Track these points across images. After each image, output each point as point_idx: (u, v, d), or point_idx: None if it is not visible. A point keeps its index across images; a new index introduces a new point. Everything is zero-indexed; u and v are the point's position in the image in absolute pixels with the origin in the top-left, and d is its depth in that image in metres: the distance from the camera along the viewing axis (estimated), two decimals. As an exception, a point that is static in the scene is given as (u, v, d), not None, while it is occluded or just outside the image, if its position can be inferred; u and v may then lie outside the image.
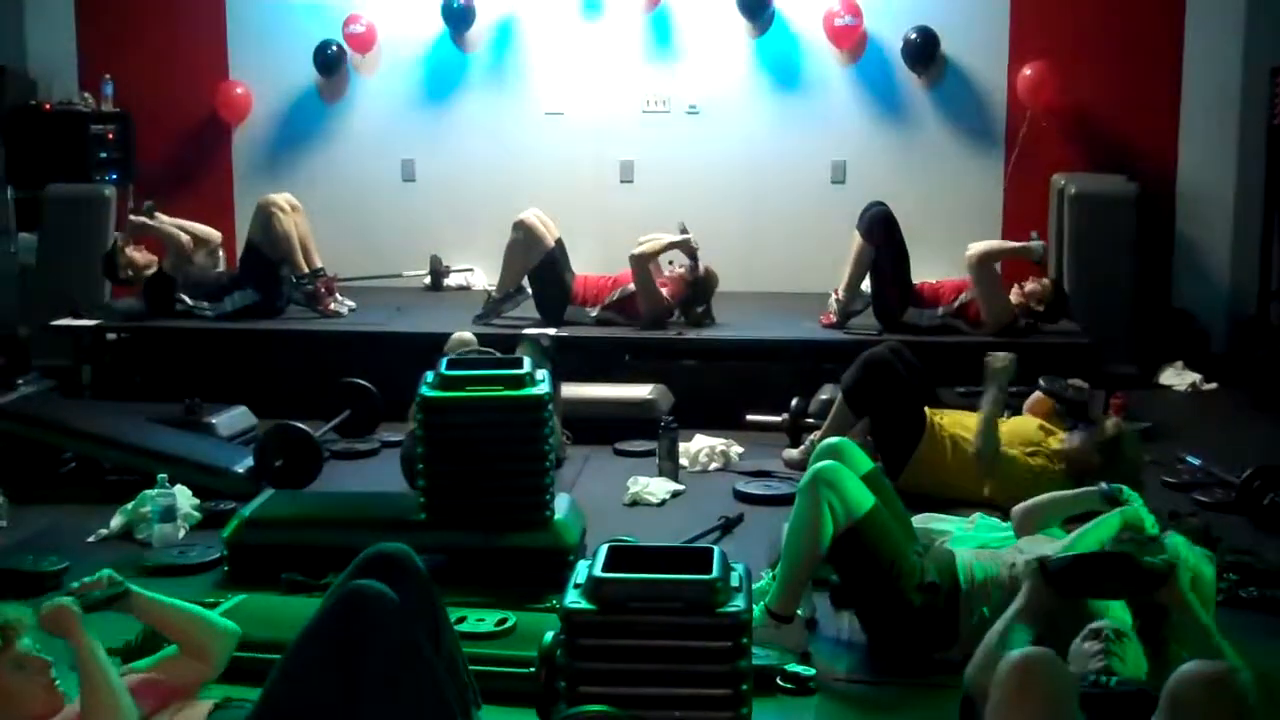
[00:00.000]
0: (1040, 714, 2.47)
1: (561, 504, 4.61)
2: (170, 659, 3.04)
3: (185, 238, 7.34)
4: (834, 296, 7.07)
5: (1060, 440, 5.12)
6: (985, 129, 8.40)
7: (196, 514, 5.05)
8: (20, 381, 6.40)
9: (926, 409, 5.40)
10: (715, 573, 3.01)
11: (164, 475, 4.94)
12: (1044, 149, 8.27)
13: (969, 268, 6.80)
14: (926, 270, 7.25)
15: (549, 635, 3.20)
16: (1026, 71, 8.18)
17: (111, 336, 7.27)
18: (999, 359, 5.31)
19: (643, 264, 6.99)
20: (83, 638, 2.77)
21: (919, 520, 4.23)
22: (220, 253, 8.17)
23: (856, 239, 6.92)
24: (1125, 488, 3.96)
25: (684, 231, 7.09)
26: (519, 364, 4.65)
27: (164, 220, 7.44)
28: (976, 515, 4.32)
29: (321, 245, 7.56)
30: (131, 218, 7.51)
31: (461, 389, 4.44)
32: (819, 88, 8.49)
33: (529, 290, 7.27)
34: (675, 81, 8.56)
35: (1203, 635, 2.93)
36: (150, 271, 7.27)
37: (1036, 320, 6.82)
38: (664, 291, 7.06)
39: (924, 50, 8.25)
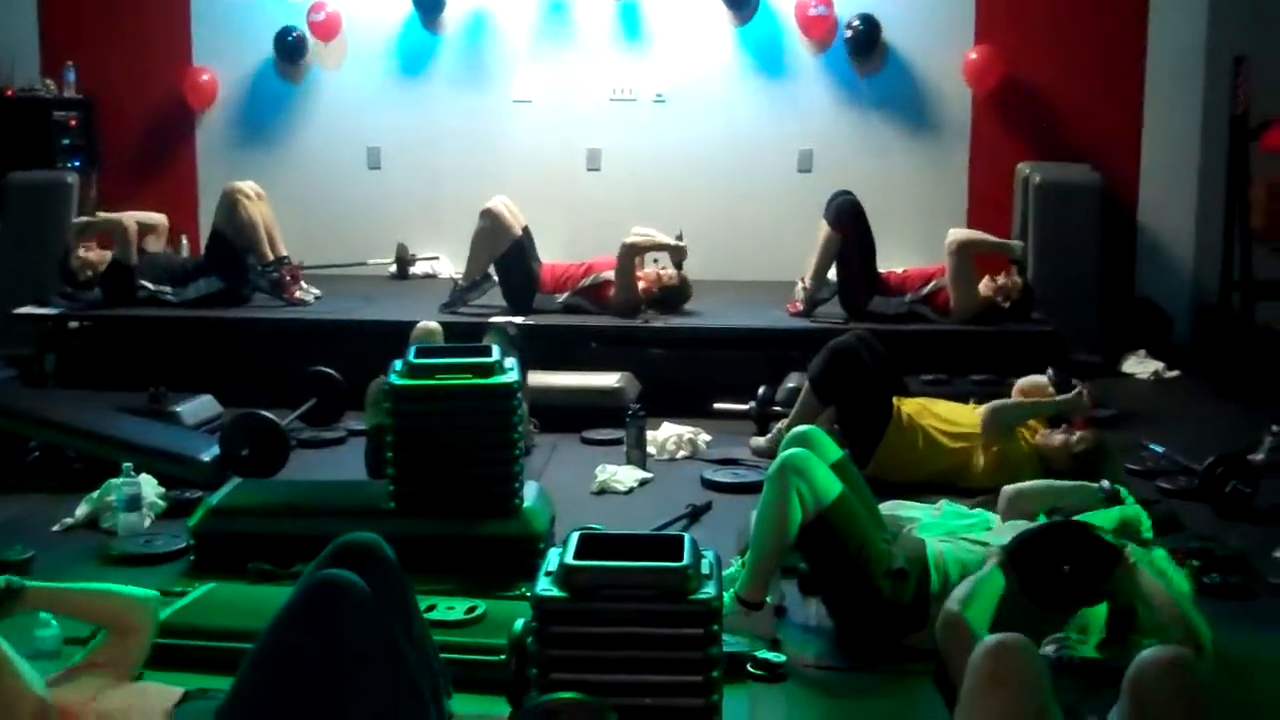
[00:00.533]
0: (1014, 699, 2.49)
1: (530, 492, 4.61)
2: (102, 644, 3.01)
3: (130, 224, 7.30)
4: (800, 285, 7.10)
5: (1038, 434, 5.16)
6: (950, 118, 8.43)
7: (162, 503, 5.02)
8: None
9: (894, 398, 5.43)
10: (686, 560, 3.01)
11: (129, 464, 4.91)
12: (1009, 138, 8.32)
13: (949, 253, 6.82)
14: (892, 260, 7.29)
15: (519, 623, 3.20)
16: (972, 55, 8.21)
17: (74, 325, 7.21)
18: (1085, 396, 5.34)
19: (632, 254, 7.02)
20: None
21: (886, 508, 4.24)
22: (184, 239, 8.15)
23: (824, 228, 6.95)
24: (1124, 489, 4.00)
25: (679, 239, 7.12)
26: (488, 352, 4.64)
27: (104, 215, 7.48)
28: (943, 502, 4.34)
29: (286, 233, 7.53)
30: (73, 221, 7.48)
31: (430, 377, 4.43)
32: (788, 77, 8.50)
33: (495, 279, 7.26)
34: (643, 70, 8.55)
35: (1171, 611, 2.97)
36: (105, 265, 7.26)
37: (1002, 316, 6.85)
38: (639, 286, 7.08)
39: (868, 38, 8.28)
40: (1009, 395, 5.59)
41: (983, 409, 5.29)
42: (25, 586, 2.94)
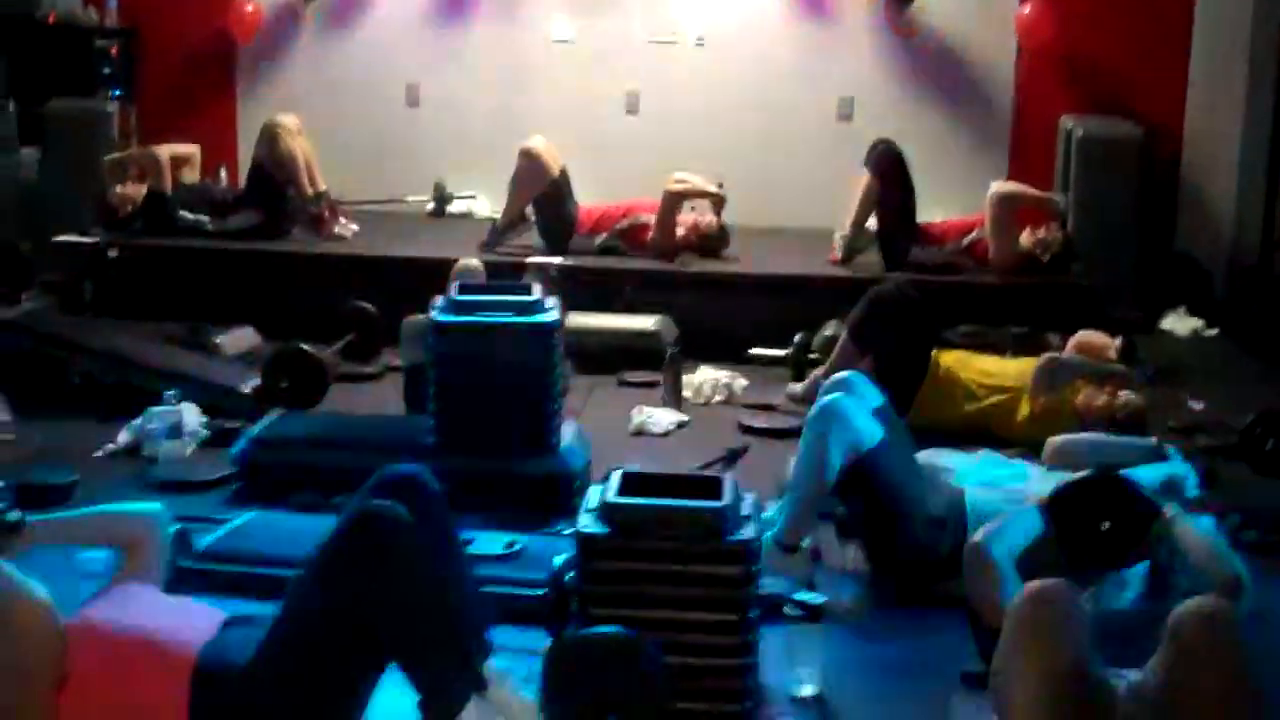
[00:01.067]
0: (1053, 645, 2.49)
1: (568, 431, 4.64)
2: (119, 567, 3.00)
3: (163, 155, 7.35)
4: (840, 233, 7.07)
5: (1081, 393, 5.15)
6: (994, 69, 8.35)
7: (204, 431, 5.07)
8: (24, 296, 6.41)
9: (933, 349, 5.42)
10: (727, 500, 3.04)
11: (172, 392, 4.95)
12: (1053, 91, 8.25)
13: (990, 204, 6.79)
14: (931, 210, 7.25)
15: (559, 558, 3.24)
16: (1025, 10, 8.14)
17: (113, 254, 7.24)
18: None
19: (674, 202, 7.00)
20: None
21: (923, 456, 4.25)
22: (222, 171, 8.16)
23: (865, 176, 6.91)
24: (1173, 448, 3.99)
25: (720, 187, 7.09)
26: (529, 290, 4.66)
27: (135, 149, 7.61)
28: (982, 451, 4.35)
29: (325, 168, 7.53)
30: (106, 158, 7.51)
31: (473, 314, 4.46)
32: (831, 24, 8.43)
33: (533, 219, 7.26)
34: (684, 13, 8.49)
35: (1207, 552, 2.98)
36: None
37: (1041, 269, 6.81)
38: (677, 232, 7.07)
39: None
40: (1047, 348, 5.57)
41: (1039, 360, 5.26)
42: (24, 521, 2.90)
